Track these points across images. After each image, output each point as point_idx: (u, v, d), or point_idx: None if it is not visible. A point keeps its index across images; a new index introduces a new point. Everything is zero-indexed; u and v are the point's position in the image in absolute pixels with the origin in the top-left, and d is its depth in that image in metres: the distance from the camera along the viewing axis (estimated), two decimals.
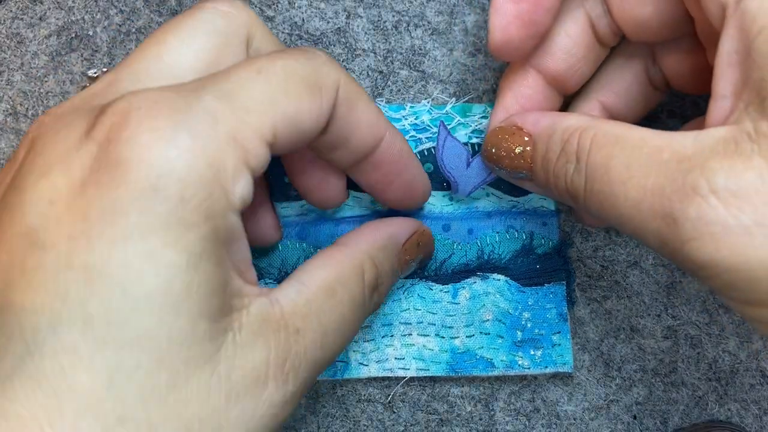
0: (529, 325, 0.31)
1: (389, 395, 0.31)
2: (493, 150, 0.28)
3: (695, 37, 0.26)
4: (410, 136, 0.32)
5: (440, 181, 0.32)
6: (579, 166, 0.24)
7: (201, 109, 0.20)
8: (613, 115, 0.30)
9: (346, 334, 0.25)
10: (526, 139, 0.27)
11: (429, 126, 0.32)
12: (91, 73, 0.26)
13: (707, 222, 0.19)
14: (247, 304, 0.22)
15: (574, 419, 0.32)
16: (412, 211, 0.32)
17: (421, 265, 0.31)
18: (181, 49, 0.23)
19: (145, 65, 0.22)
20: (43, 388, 0.18)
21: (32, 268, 0.18)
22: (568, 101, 0.31)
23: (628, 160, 0.22)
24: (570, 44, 0.28)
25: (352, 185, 0.29)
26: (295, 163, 0.29)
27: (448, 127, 0.32)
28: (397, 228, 0.28)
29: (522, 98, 0.29)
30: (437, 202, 0.32)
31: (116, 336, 0.18)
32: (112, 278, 0.18)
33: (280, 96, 0.21)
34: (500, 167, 0.28)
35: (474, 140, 0.32)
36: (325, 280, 0.24)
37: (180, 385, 0.19)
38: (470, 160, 0.31)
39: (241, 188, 0.20)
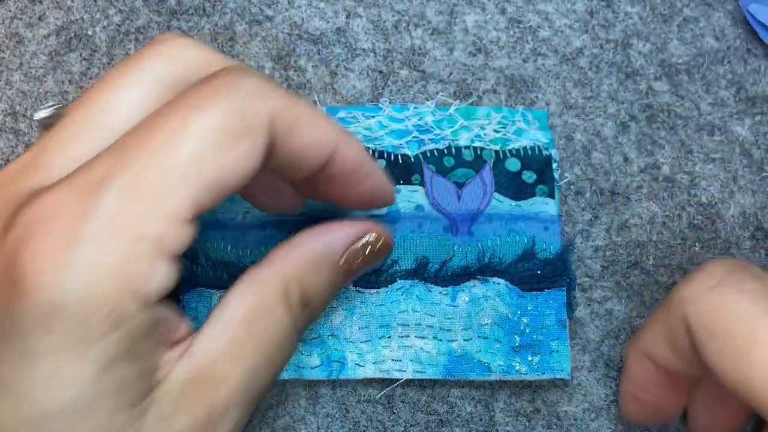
0: (527, 331, 0.31)
1: (389, 396, 0.31)
2: None
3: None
4: (413, 137, 0.32)
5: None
6: None
7: (102, 215, 0.19)
8: None
9: (277, 359, 0.24)
10: None
11: (432, 127, 0.32)
12: (37, 116, 0.24)
13: None
14: (165, 375, 0.21)
15: (575, 420, 0.32)
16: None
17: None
18: (117, 107, 0.22)
19: (79, 126, 0.22)
20: None
21: None
22: None
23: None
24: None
25: None
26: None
27: (452, 129, 0.32)
28: (335, 236, 0.25)
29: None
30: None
31: None
32: (20, 393, 0.18)
33: (199, 164, 0.19)
34: None
35: (476, 143, 0.32)
36: (246, 310, 0.23)
37: None
38: (459, 193, 0.31)
39: (158, 281, 0.20)
